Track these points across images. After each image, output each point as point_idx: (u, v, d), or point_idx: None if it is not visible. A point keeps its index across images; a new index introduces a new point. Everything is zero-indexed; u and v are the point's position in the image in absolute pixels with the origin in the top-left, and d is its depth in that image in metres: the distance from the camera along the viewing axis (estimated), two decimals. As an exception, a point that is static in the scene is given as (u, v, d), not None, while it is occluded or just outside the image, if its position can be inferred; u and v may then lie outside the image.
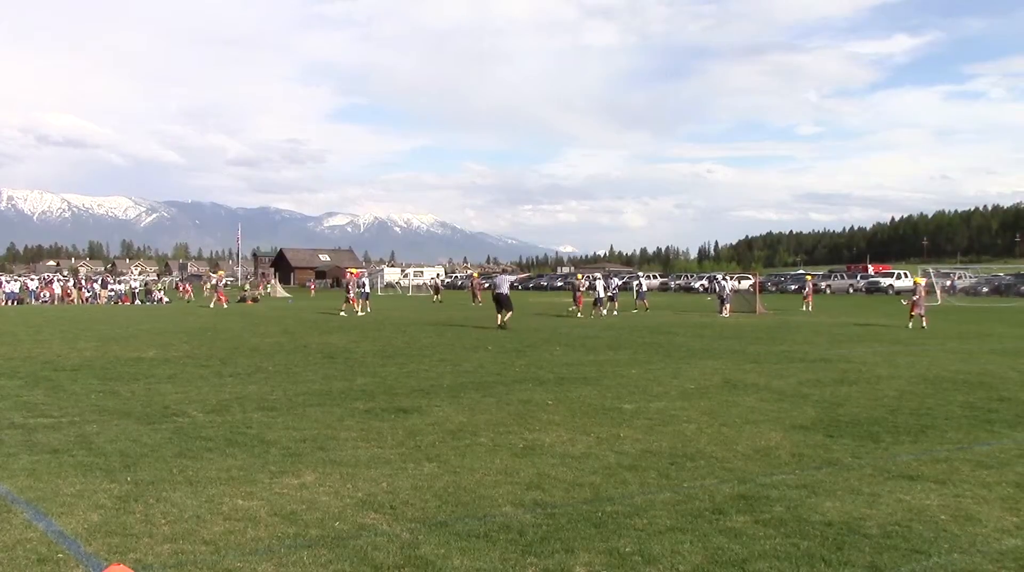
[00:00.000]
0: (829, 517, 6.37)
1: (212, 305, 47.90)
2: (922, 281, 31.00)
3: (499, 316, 27.57)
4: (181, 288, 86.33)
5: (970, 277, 72.44)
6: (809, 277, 52.34)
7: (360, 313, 37.49)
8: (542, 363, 16.97)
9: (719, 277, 45.59)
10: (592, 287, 37.93)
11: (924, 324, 28.04)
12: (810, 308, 42.34)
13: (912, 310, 28.45)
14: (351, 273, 44.10)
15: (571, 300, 39.76)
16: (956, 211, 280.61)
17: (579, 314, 36.28)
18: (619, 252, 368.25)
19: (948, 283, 64.59)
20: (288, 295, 74.21)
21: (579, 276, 42.05)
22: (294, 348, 20.32)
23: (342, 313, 37.30)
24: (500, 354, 18.77)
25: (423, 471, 7.73)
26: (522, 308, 39.90)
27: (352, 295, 38.70)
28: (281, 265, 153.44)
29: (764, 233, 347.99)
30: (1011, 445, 9.02)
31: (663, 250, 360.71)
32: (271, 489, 7.08)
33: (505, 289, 28.50)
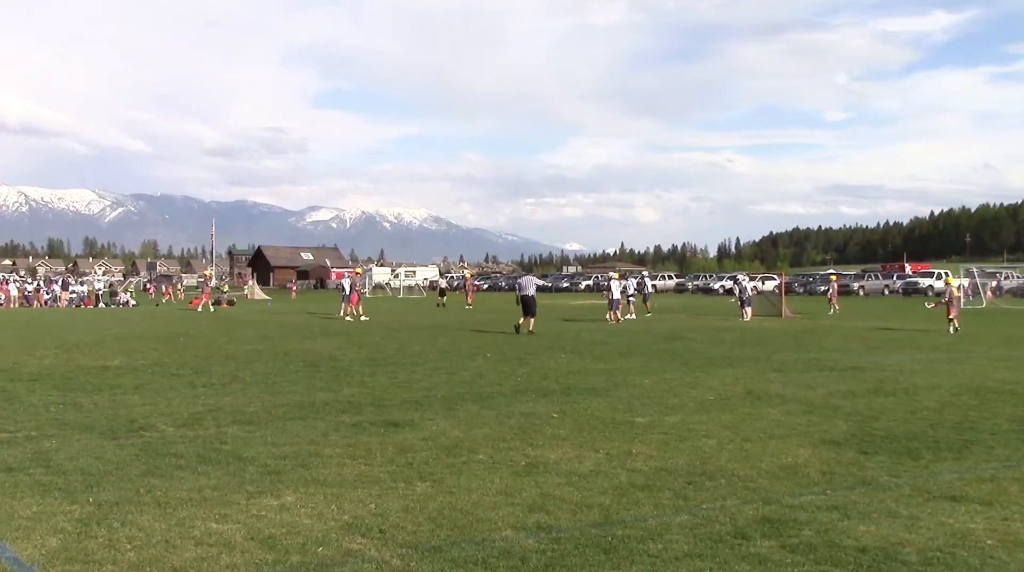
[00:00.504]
0: (863, 542, 6.35)
1: (200, 308, 47.81)
2: (955, 282, 31.46)
3: (523, 321, 27.84)
4: (151, 289, 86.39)
5: (1018, 277, 72.32)
6: (833, 276, 52.27)
7: (346, 317, 37.41)
8: (546, 372, 16.96)
9: (740, 277, 45.59)
10: (607, 289, 37.85)
11: (956, 326, 28.45)
12: (836, 310, 42.37)
13: (948, 313, 28.95)
14: (356, 272, 44.12)
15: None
16: (1002, 204, 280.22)
17: (623, 318, 36.72)
18: (630, 250, 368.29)
19: (994, 284, 64.51)
20: (267, 297, 74.25)
21: (615, 275, 42.21)
22: (273, 355, 20.32)
23: (347, 318, 37.06)
24: (500, 362, 18.77)
25: (415, 491, 7.71)
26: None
27: (349, 295, 38.42)
28: (259, 264, 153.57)
29: (790, 229, 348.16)
30: (1064, 462, 8.99)
31: (679, 247, 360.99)
32: (248, 511, 7.06)
33: (531, 291, 28.86)
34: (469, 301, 51.10)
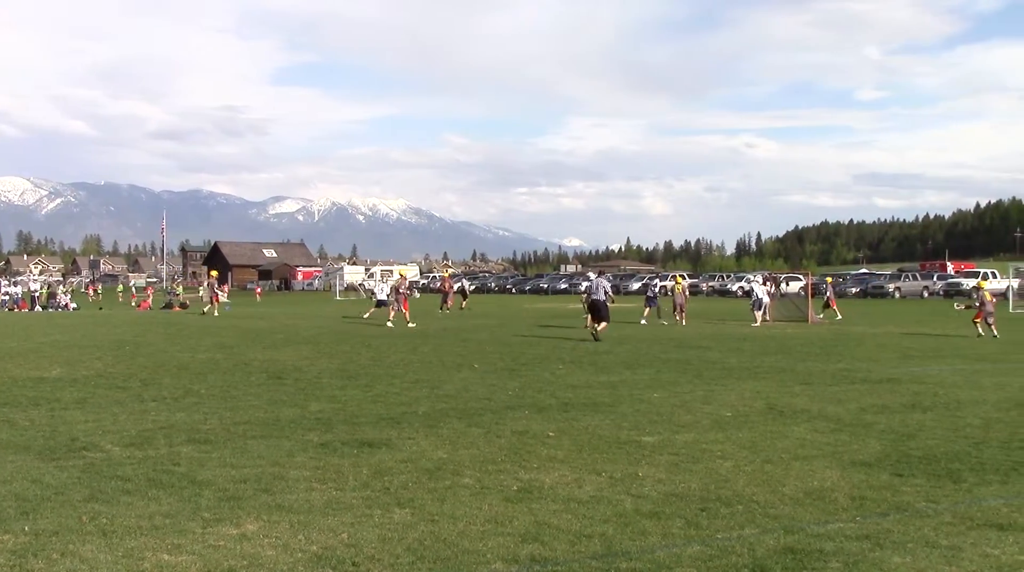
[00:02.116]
0: (897, 576, 6.39)
1: (204, 310, 47.47)
2: (986, 284, 32.13)
3: (594, 325, 28.91)
4: (90, 291, 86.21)
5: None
6: (828, 278, 51.97)
7: (389, 323, 37.16)
8: (541, 385, 16.99)
9: (753, 278, 45.57)
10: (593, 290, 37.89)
11: (994, 332, 29.42)
12: (837, 316, 42.19)
13: (976, 317, 30.05)
14: (400, 275, 44.29)
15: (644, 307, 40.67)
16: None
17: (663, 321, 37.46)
18: (637, 246, 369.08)
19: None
20: (226, 300, 74.17)
21: (594, 275, 42.48)
22: (233, 366, 20.32)
23: (389, 324, 36.72)
24: (489, 374, 18.79)
25: (393, 519, 7.73)
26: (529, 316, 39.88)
27: (400, 298, 38.58)
28: (216, 262, 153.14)
29: (818, 223, 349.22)
30: (1123, 486, 9.04)
31: (692, 244, 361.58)
32: (204, 541, 7.07)
33: (602, 295, 29.94)
34: (449, 305, 50.68)
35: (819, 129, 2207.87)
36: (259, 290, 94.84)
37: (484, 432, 11.89)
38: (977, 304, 30.56)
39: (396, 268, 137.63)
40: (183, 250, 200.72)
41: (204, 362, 21.17)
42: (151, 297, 64.00)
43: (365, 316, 39.62)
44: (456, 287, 58.61)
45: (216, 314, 46.53)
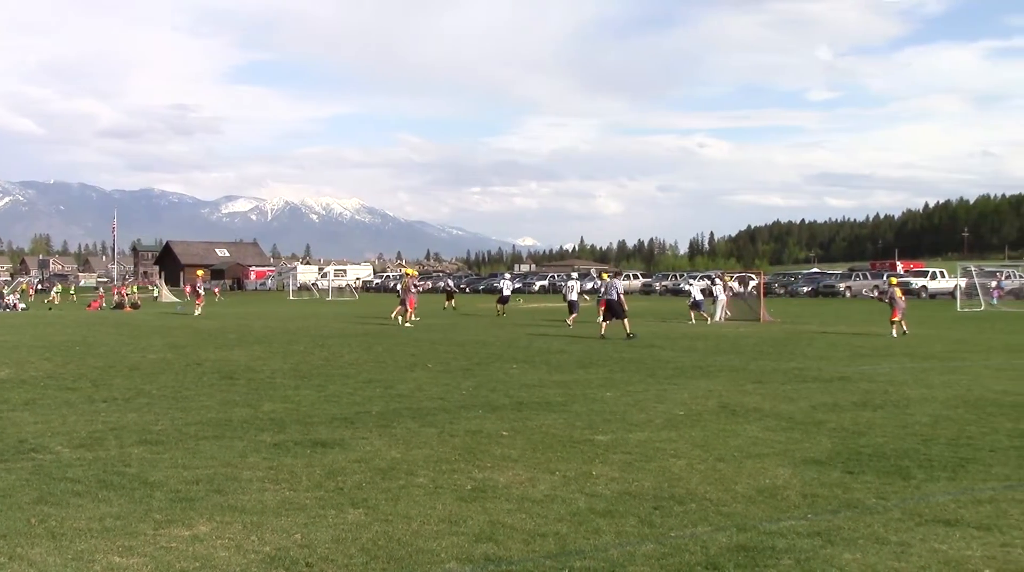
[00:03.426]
0: (848, 571, 6.47)
1: (197, 312, 46.58)
2: (895, 280, 34.13)
3: (613, 324, 29.60)
4: (31, 290, 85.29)
5: (1020, 276, 73.56)
6: (727, 277, 51.16)
7: (400, 321, 36.94)
8: (495, 385, 17.00)
9: (699, 278, 45.65)
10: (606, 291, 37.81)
11: (904, 329, 30.61)
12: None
13: (893, 316, 30.90)
14: (407, 273, 43.89)
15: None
16: (1003, 195, 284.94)
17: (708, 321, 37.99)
18: (591, 246, 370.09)
19: (994, 284, 65.51)
20: (176, 299, 73.54)
21: (724, 278, 42.92)
22: (184, 366, 20.17)
23: (407, 325, 36.06)
24: (443, 373, 18.78)
25: (346, 519, 7.72)
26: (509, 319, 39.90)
27: (410, 297, 38.30)
28: (168, 261, 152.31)
29: (770, 222, 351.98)
30: (1068, 482, 9.18)
31: (645, 243, 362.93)
32: (155, 543, 7.02)
33: (615, 295, 30.29)
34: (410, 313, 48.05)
35: (771, 129, 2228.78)
36: (218, 290, 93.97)
37: (438, 432, 11.88)
38: (887, 300, 31.76)
39: (355, 267, 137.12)
40: (134, 250, 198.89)
41: (155, 362, 21.00)
42: (103, 298, 63.37)
43: (392, 316, 39.11)
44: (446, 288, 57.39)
45: (197, 313, 45.63)
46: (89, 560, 6.60)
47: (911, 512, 7.97)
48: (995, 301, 56.18)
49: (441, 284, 56.82)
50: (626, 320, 29.57)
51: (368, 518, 7.75)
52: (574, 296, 37.76)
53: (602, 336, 28.86)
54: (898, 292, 31.81)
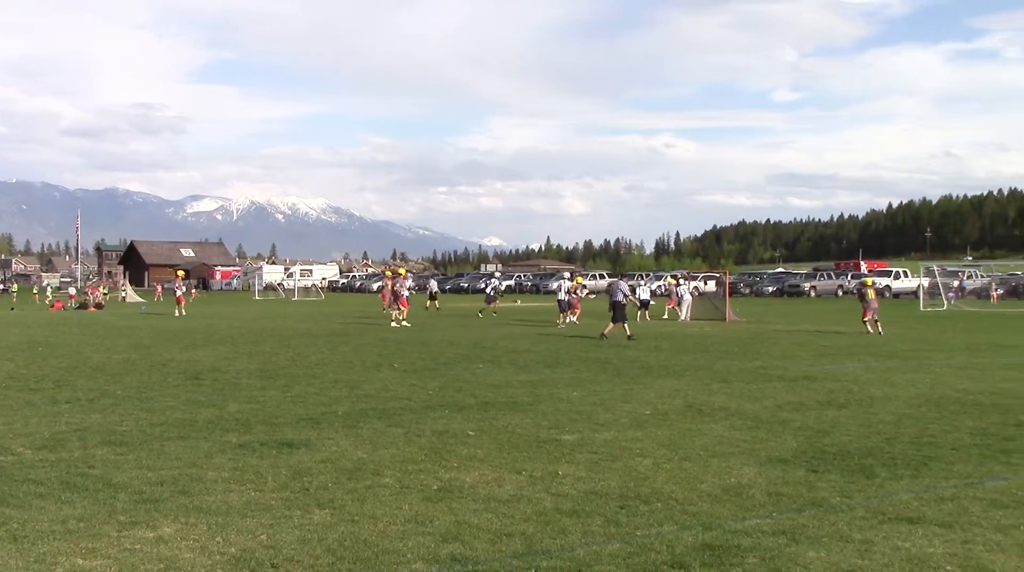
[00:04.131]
0: (813, 569, 6.49)
1: (178, 313, 45.85)
2: (870, 281, 35.01)
3: (621, 326, 29.31)
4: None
5: (982, 276, 74.32)
6: (672, 279, 50.61)
7: (403, 322, 36.89)
8: (461, 384, 16.99)
9: (624, 278, 45.54)
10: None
11: (879, 329, 31.03)
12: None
13: (864, 316, 31.72)
14: (400, 272, 43.87)
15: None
16: (965, 196, 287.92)
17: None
18: (558, 246, 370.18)
19: (956, 284, 66.18)
20: (141, 299, 73.08)
21: (671, 279, 42.84)
22: (149, 366, 20.05)
23: (405, 323, 36.31)
24: (409, 373, 18.75)
25: (312, 520, 7.69)
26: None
27: (405, 296, 38.51)
28: (132, 261, 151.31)
29: (735, 222, 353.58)
30: (1029, 480, 9.27)
31: (612, 243, 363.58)
32: (119, 545, 6.98)
33: (620, 296, 30.53)
34: (392, 304, 46.86)
35: (736, 130, 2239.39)
36: (195, 292, 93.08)
37: (404, 432, 11.87)
38: (859, 300, 32.84)
39: (321, 267, 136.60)
40: (98, 249, 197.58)
41: (120, 363, 20.86)
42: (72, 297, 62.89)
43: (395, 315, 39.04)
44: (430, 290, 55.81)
45: (177, 315, 44.94)
46: (52, 563, 6.54)
47: (875, 510, 8.03)
48: (953, 300, 56.73)
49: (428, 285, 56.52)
50: (621, 325, 29.41)
51: (334, 519, 7.72)
52: (563, 295, 37.98)
53: (603, 336, 28.63)
54: (871, 293, 32.35)
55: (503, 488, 8.82)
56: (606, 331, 29.08)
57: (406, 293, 39.20)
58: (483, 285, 55.56)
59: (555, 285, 40.15)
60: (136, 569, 6.43)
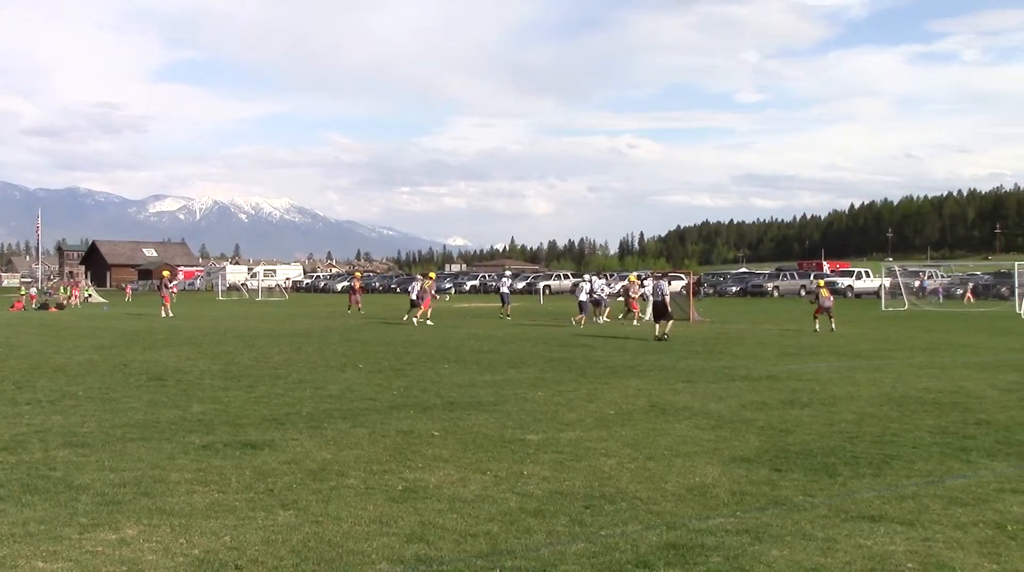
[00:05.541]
0: (776, 567, 6.53)
1: (163, 314, 44.97)
2: (822, 282, 36.82)
3: (662, 327, 29.34)
4: None
5: (942, 276, 75.05)
6: (632, 277, 49.53)
7: (417, 320, 37.66)
8: (426, 385, 16.97)
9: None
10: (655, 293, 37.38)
11: (832, 326, 32.28)
12: (636, 321, 41.37)
13: (816, 312, 32.90)
14: (429, 276, 44.75)
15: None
16: (926, 197, 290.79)
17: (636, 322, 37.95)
18: (522, 246, 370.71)
19: (916, 284, 66.78)
20: (103, 300, 72.53)
21: (631, 278, 42.68)
22: (111, 367, 19.90)
23: (429, 322, 37.30)
24: (374, 374, 18.71)
25: (276, 521, 7.66)
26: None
27: (429, 297, 39.57)
28: (94, 261, 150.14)
29: (699, 223, 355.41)
30: (989, 477, 9.36)
31: (576, 243, 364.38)
32: (81, 547, 6.92)
33: (660, 297, 30.81)
34: (359, 303, 49.24)
35: (700, 130, 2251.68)
36: (174, 289, 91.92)
37: (369, 432, 11.84)
38: (813, 299, 34.28)
39: (285, 267, 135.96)
40: (59, 249, 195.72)
41: (82, 364, 20.69)
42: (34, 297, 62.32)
43: (404, 319, 39.06)
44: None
45: (163, 316, 44.13)
46: (12, 566, 6.49)
47: (837, 509, 8.09)
48: (940, 299, 57.28)
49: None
50: (670, 322, 29.44)
51: (298, 519, 7.70)
52: (584, 297, 38.15)
53: (657, 337, 28.63)
54: (824, 291, 33.37)
55: (468, 488, 8.82)
56: (657, 333, 29.08)
57: (430, 294, 40.45)
58: (499, 285, 54.92)
59: (580, 285, 40.27)
60: (98, 571, 6.38)
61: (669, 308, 30.24)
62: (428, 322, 37.44)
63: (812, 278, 79.25)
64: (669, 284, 47.60)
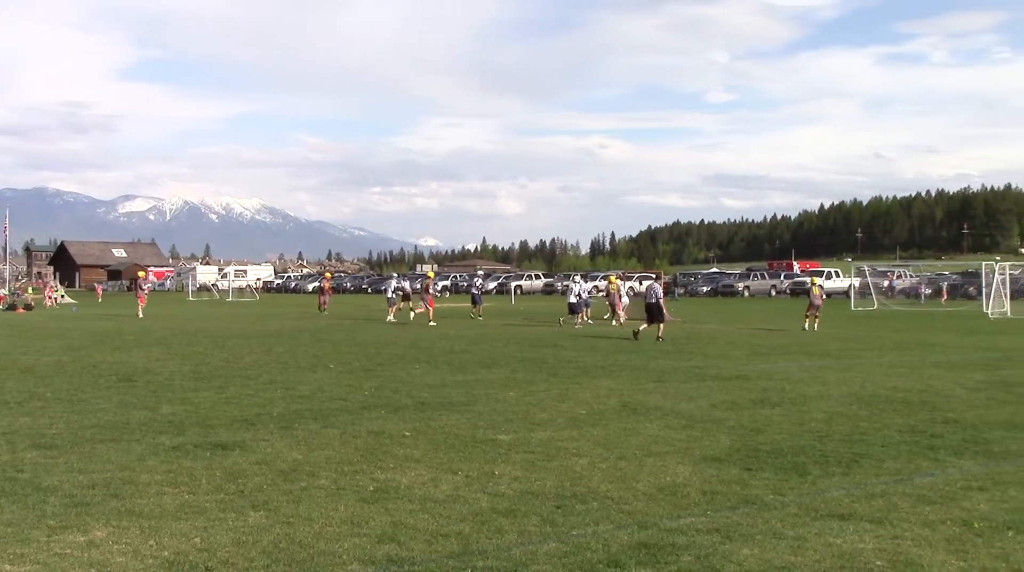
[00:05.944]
0: (747, 566, 6.56)
1: (140, 314, 44.62)
2: (819, 281, 36.97)
3: (656, 327, 29.37)
4: None
5: (910, 276, 75.53)
6: (613, 277, 49.20)
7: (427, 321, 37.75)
8: (397, 385, 16.94)
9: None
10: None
11: (815, 325, 33.07)
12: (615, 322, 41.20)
13: (808, 310, 33.71)
14: (428, 275, 44.99)
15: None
16: (895, 197, 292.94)
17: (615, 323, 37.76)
18: (493, 246, 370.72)
19: (885, 284, 67.19)
20: (72, 301, 72.02)
21: (612, 278, 42.42)
22: (80, 368, 19.77)
23: (432, 322, 37.26)
24: (345, 374, 18.66)
25: (247, 522, 7.63)
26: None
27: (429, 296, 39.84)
28: (63, 262, 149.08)
29: (670, 223, 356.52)
30: (957, 476, 9.44)
31: (547, 243, 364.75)
32: (49, 549, 6.88)
33: (653, 298, 30.80)
34: (326, 304, 49.93)
35: (670, 131, 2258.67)
36: (148, 289, 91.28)
37: (340, 433, 11.82)
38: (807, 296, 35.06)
39: (256, 268, 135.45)
40: (27, 250, 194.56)
41: (50, 365, 20.54)
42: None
43: (388, 320, 38.96)
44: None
45: (140, 316, 43.89)
46: (-20, 568, 6.44)
47: (807, 507, 8.13)
48: (926, 298, 57.69)
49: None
50: (662, 325, 29.48)
51: (269, 520, 7.67)
52: (573, 298, 38.00)
53: (635, 333, 29.03)
54: (816, 290, 34.22)
55: (439, 488, 8.82)
56: (641, 330, 29.27)
57: (432, 293, 40.80)
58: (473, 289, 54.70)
59: (570, 287, 40.17)
60: (67, 574, 6.34)
61: (664, 310, 30.36)
62: (431, 323, 37.22)
63: (782, 277, 79.79)
64: (640, 284, 47.65)
